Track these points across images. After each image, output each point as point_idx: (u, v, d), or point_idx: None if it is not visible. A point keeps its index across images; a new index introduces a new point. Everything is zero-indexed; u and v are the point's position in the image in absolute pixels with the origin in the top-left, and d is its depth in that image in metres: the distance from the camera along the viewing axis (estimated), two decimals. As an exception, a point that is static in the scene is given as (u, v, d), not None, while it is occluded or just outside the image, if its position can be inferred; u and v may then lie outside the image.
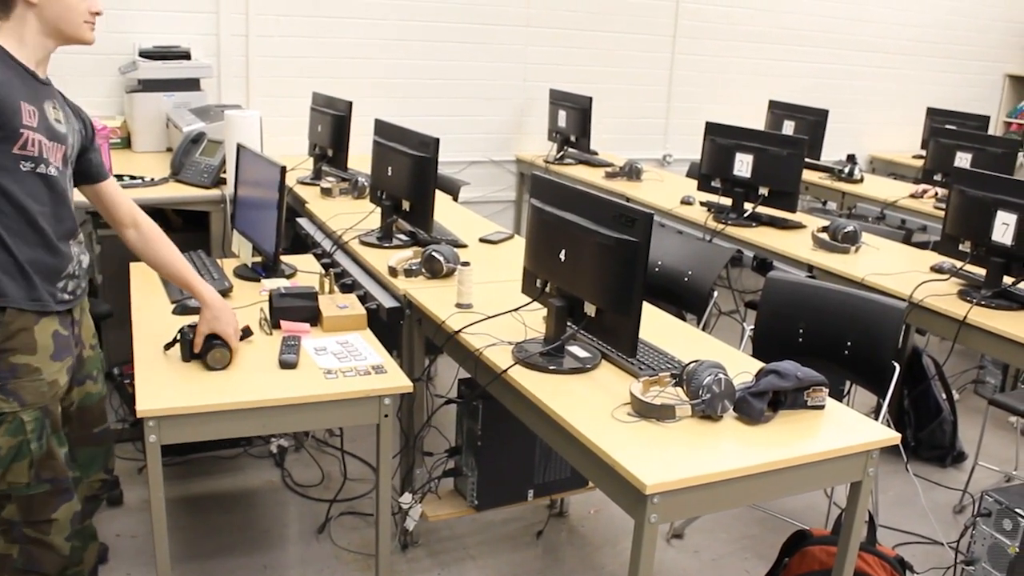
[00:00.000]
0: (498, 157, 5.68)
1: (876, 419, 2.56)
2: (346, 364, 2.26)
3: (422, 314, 2.69)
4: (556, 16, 5.59)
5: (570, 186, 2.27)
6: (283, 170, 2.68)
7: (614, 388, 2.10)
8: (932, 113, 6.27)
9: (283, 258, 2.87)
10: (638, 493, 1.72)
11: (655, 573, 1.79)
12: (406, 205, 3.15)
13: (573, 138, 5.26)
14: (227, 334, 2.19)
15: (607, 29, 5.78)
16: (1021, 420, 3.79)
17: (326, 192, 3.92)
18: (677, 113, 6.17)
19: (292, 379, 2.17)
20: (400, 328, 2.77)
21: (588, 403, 2.02)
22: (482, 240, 3.38)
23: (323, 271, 2.88)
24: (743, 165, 4.05)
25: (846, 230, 3.59)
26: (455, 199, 4.30)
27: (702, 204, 4.29)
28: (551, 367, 2.19)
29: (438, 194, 3.13)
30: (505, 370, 2.19)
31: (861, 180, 5.29)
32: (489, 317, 2.48)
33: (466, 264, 2.71)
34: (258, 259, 2.94)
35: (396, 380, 2.21)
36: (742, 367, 2.16)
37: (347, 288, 2.92)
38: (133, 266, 2.81)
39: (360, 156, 4.00)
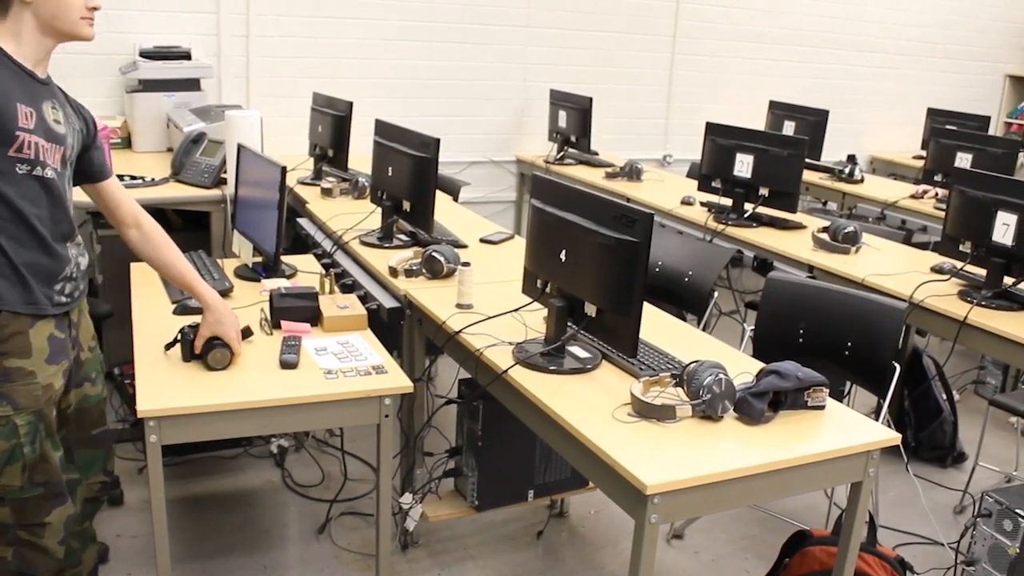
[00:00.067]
0: (498, 157, 5.68)
1: (876, 419, 2.57)
2: (346, 364, 2.26)
3: (422, 314, 2.69)
4: (556, 16, 5.59)
5: (570, 186, 2.27)
6: (283, 170, 2.68)
7: (614, 388, 2.10)
8: (932, 113, 6.27)
9: (283, 258, 2.87)
10: (638, 493, 1.72)
11: (655, 573, 1.78)
12: (406, 205, 3.15)
13: (573, 138, 5.26)
14: (230, 338, 2.19)
15: (607, 29, 5.78)
16: (1021, 421, 3.78)
17: (326, 192, 3.92)
18: (677, 113, 6.17)
19: (292, 379, 2.17)
20: (400, 328, 2.77)
21: (588, 403, 2.02)
22: (482, 240, 3.38)
23: (323, 271, 2.88)
24: (743, 165, 4.05)
25: (846, 230, 3.59)
26: (455, 199, 4.30)
27: (702, 204, 4.29)
28: (551, 367, 2.19)
29: (438, 194, 3.13)
30: (505, 370, 2.19)
31: (861, 180, 5.29)
32: (489, 317, 2.48)
33: (466, 264, 2.71)
34: (258, 259, 2.94)
35: (396, 380, 2.21)
36: (742, 367, 2.16)
37: (347, 288, 2.92)
38: (133, 266, 2.80)
39: (360, 156, 4.00)
